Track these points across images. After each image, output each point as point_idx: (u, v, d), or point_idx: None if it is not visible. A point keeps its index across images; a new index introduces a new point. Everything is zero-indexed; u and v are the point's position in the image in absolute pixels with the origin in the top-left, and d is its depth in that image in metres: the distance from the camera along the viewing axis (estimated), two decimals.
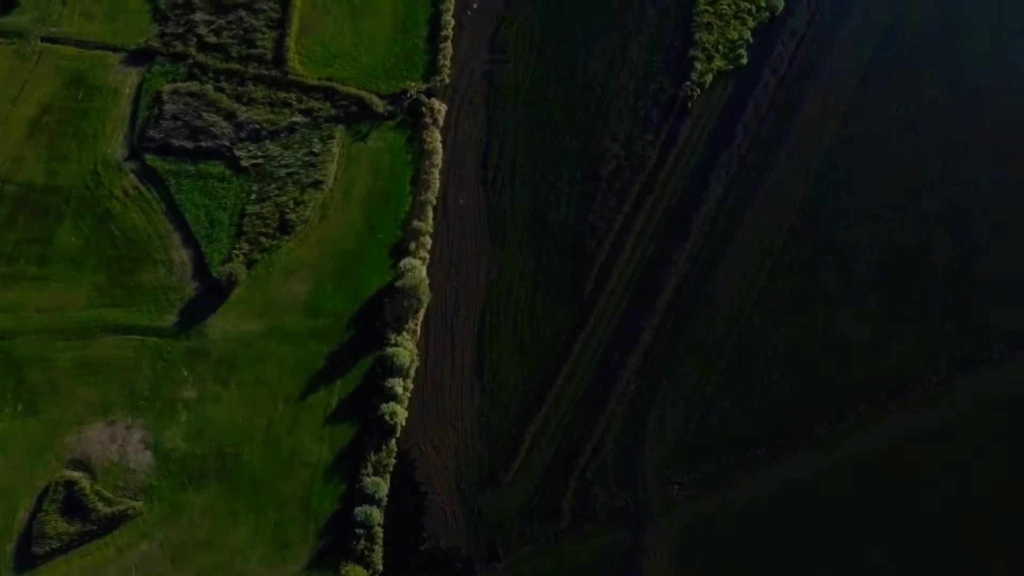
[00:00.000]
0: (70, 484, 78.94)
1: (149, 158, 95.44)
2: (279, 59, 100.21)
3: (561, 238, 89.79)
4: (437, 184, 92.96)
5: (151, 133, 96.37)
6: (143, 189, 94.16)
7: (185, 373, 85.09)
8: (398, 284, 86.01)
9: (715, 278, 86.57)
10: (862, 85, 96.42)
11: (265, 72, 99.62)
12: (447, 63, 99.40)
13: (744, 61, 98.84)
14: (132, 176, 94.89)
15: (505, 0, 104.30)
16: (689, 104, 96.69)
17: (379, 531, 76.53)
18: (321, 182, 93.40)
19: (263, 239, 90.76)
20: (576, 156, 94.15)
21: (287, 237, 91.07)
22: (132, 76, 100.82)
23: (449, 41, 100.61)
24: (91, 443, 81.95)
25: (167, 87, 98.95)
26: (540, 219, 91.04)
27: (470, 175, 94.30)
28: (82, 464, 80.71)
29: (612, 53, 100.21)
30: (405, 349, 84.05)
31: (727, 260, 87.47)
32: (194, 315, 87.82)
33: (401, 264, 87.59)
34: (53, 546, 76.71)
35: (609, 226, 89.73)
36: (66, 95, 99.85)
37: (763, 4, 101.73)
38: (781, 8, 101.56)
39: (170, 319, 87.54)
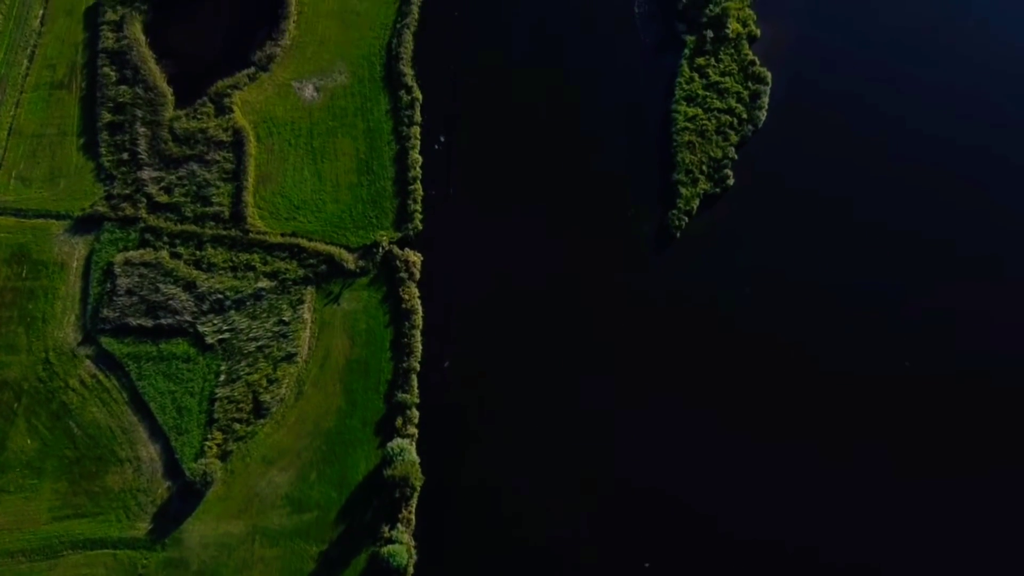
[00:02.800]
0: None
1: (105, 341, 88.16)
2: (238, 216, 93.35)
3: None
4: (419, 348, 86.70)
5: (105, 313, 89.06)
6: (102, 377, 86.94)
7: None
8: (387, 473, 79.80)
9: None
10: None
11: (224, 232, 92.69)
12: (418, 207, 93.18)
13: (731, 182, 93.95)
14: (89, 363, 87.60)
15: (472, 132, 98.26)
16: (677, 234, 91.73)
17: None
18: (294, 354, 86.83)
19: (237, 426, 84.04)
20: (561, 306, 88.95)
21: (263, 421, 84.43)
22: (80, 246, 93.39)
23: (418, 182, 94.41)
24: None
25: (118, 257, 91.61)
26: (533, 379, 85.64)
27: (454, 333, 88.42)
28: None
29: (590, 184, 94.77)
30: (401, 544, 77.95)
31: None
32: (168, 520, 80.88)
33: (388, 447, 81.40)
34: None
35: None
36: (9, 273, 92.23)
37: (745, 117, 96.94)
38: (763, 121, 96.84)
39: (142, 527, 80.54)
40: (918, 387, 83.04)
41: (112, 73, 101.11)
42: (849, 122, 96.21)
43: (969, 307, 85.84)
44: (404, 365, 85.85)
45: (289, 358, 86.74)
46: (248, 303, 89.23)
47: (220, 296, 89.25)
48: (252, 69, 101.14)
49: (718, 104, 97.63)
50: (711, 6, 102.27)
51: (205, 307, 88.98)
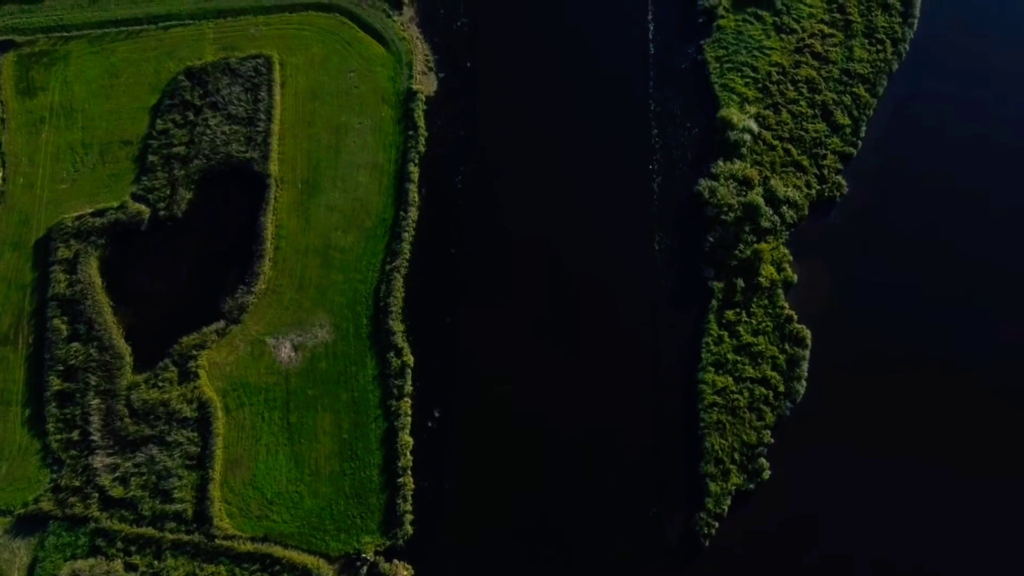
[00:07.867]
0: None
1: None
2: (202, 515, 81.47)
3: None
4: None
5: None
6: None
7: None
8: None
9: None
10: None
11: (186, 536, 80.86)
12: (408, 507, 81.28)
13: (767, 474, 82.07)
14: None
15: (471, 405, 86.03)
16: (706, 543, 79.99)
17: None
18: None
19: None
20: None
21: None
22: (21, 552, 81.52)
23: (408, 473, 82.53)
24: None
25: (64, 569, 79.77)
26: None
27: None
28: None
29: (604, 473, 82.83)
30: None
31: None
32: None
33: None
34: None
35: None
36: None
37: (782, 389, 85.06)
38: (802, 395, 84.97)
39: None
40: None
41: (63, 327, 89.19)
42: (897, 395, 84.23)
43: None
44: None
45: None
46: None
47: None
48: (222, 323, 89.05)
49: (751, 372, 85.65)
50: (741, 247, 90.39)
51: None
